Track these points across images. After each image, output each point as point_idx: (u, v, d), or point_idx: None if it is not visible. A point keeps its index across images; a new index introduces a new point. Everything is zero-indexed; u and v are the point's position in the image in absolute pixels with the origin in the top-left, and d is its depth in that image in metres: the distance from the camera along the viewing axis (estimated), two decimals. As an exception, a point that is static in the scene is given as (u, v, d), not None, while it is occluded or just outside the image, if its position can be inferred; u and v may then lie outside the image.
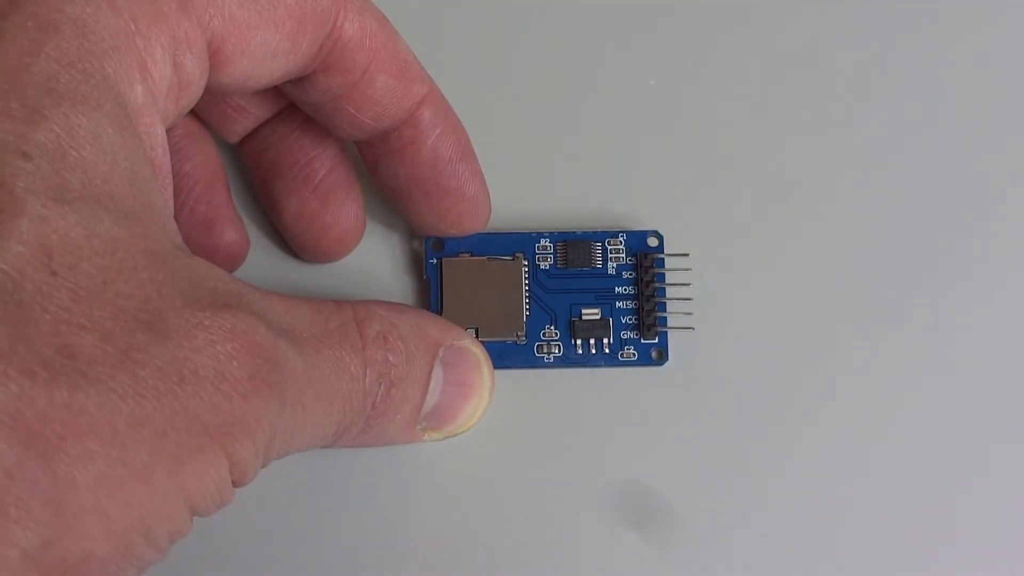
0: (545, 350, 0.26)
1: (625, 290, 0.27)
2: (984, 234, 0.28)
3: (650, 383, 0.27)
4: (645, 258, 0.26)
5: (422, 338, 0.23)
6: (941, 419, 0.27)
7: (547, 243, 0.27)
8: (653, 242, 0.27)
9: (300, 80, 0.23)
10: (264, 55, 0.22)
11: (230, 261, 0.26)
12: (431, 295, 0.26)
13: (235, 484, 0.18)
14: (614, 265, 0.27)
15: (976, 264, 0.28)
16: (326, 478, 0.26)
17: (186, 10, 0.20)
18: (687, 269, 0.26)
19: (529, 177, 0.28)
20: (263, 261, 0.27)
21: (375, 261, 0.27)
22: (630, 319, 0.26)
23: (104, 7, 0.19)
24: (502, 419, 0.26)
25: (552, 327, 0.26)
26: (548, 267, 0.27)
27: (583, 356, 0.26)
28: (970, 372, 0.27)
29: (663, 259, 0.26)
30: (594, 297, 0.26)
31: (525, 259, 0.26)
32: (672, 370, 0.27)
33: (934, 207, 0.28)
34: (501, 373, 0.26)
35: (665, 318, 0.26)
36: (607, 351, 0.26)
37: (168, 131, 0.21)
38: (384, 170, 0.25)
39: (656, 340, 0.26)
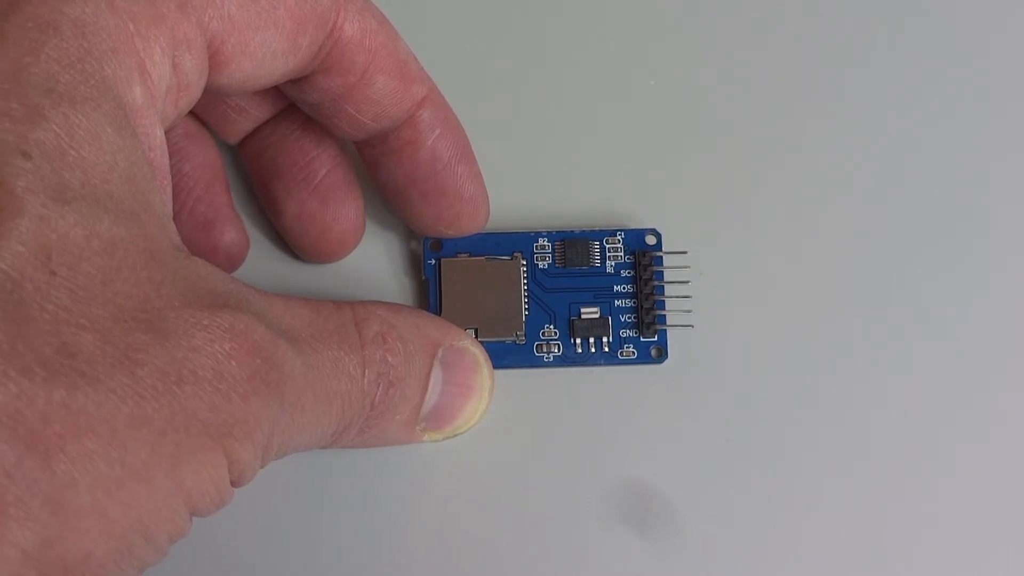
0: (544, 349, 0.26)
1: (624, 288, 0.27)
2: (987, 232, 0.28)
3: (650, 381, 0.27)
4: (643, 256, 0.26)
5: (421, 338, 0.23)
6: (943, 418, 0.27)
7: (545, 242, 0.27)
8: (651, 240, 0.27)
9: (300, 80, 0.23)
10: (264, 56, 0.22)
11: (230, 261, 0.26)
12: (430, 295, 0.26)
13: (234, 484, 0.18)
14: (612, 264, 0.27)
15: (978, 260, 0.28)
16: (326, 478, 0.26)
17: (185, 11, 0.20)
18: (686, 267, 0.26)
19: (527, 176, 0.28)
20: (263, 261, 0.27)
21: (374, 261, 0.27)
22: (629, 317, 0.26)
23: (103, 8, 0.19)
24: (502, 419, 0.26)
25: (551, 326, 0.26)
26: (546, 266, 0.27)
27: (583, 355, 0.26)
28: (972, 367, 0.27)
29: (661, 257, 0.26)
30: (593, 296, 0.26)
31: (523, 259, 0.27)
32: (672, 368, 0.27)
33: (935, 206, 0.28)
34: (501, 373, 0.26)
35: (664, 316, 0.26)
36: (606, 350, 0.26)
37: (168, 131, 0.21)
38: (383, 170, 0.25)
39: (655, 338, 0.26)
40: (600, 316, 0.26)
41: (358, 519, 0.25)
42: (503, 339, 0.26)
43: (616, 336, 0.26)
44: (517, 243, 0.27)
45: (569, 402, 0.27)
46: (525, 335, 0.26)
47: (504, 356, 0.26)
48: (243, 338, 0.18)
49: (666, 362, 0.26)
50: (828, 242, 0.28)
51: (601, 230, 0.27)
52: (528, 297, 0.26)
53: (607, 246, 0.27)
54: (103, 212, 0.17)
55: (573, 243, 0.27)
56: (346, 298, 0.23)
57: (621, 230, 0.27)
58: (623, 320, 0.26)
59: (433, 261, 0.26)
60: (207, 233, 0.26)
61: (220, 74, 0.21)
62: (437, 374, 0.24)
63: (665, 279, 0.26)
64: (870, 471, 0.26)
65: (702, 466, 0.26)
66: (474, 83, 0.29)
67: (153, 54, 0.19)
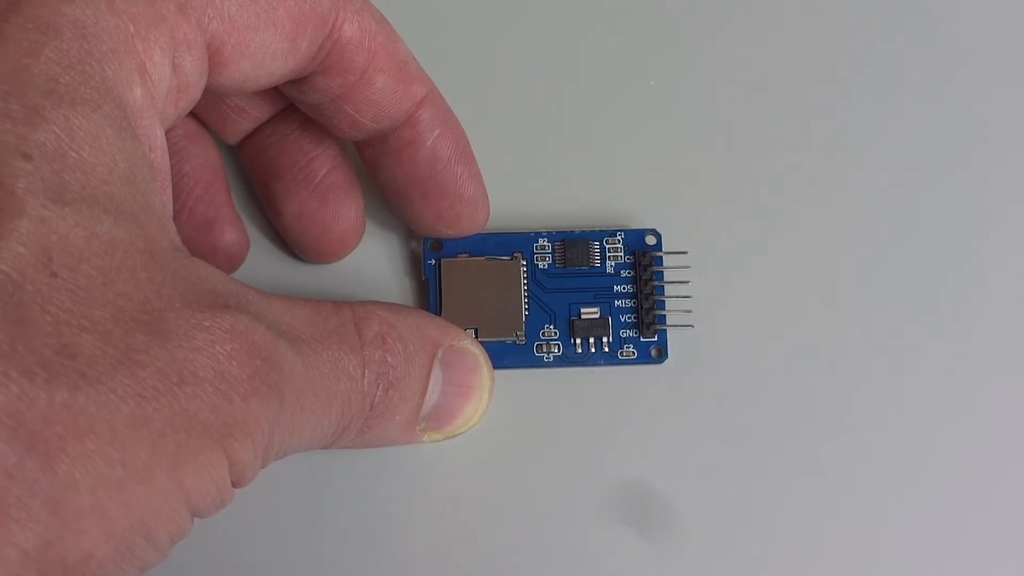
0: (544, 350, 0.26)
1: (624, 289, 0.27)
2: (987, 233, 0.28)
3: (650, 381, 0.27)
4: (643, 256, 0.26)
5: (421, 338, 0.23)
6: (943, 418, 0.27)
7: (545, 242, 0.27)
8: (651, 240, 0.27)
9: (299, 81, 0.23)
10: (263, 56, 0.22)
11: (230, 261, 0.26)
12: (430, 296, 0.26)
13: (235, 485, 0.18)
14: (612, 264, 0.27)
15: (979, 260, 0.28)
16: (326, 478, 0.26)
17: (185, 12, 0.20)
18: (686, 267, 0.26)
19: (527, 176, 0.28)
20: (263, 261, 0.27)
21: (374, 262, 0.28)
22: (629, 317, 0.26)
23: (103, 9, 0.19)
24: (502, 419, 0.26)
25: (551, 326, 0.26)
26: (547, 266, 0.27)
27: (583, 355, 0.26)
28: (972, 368, 0.27)
29: (661, 257, 0.26)
30: (593, 296, 0.26)
31: (523, 259, 0.27)
32: (672, 368, 0.27)
33: (936, 206, 0.28)
34: (501, 373, 0.26)
35: (664, 316, 0.26)
36: (606, 350, 0.26)
37: (168, 132, 0.21)
38: (383, 170, 0.26)
39: (655, 338, 0.26)
40: (600, 316, 0.26)
41: (358, 519, 0.25)
42: (503, 339, 0.26)
43: (616, 336, 0.26)
44: (517, 243, 0.27)
45: (569, 402, 0.27)
46: (525, 335, 0.26)
47: (504, 356, 0.26)
48: (243, 339, 0.18)
49: (666, 362, 0.26)
50: (828, 242, 0.28)
51: (601, 230, 0.27)
52: (528, 297, 0.26)
53: (607, 246, 0.27)
54: (103, 213, 0.18)
55: (573, 243, 0.27)
56: (346, 298, 0.23)
57: (621, 230, 0.27)
58: (623, 320, 0.26)
59: (433, 261, 0.26)
60: (207, 233, 0.26)
61: (220, 75, 0.21)
62: (437, 374, 0.24)
63: (665, 279, 0.26)
64: (870, 471, 0.26)
65: (702, 466, 0.26)
66: (474, 83, 0.29)
67: (153, 55, 0.19)
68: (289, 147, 0.26)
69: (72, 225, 0.17)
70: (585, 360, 0.26)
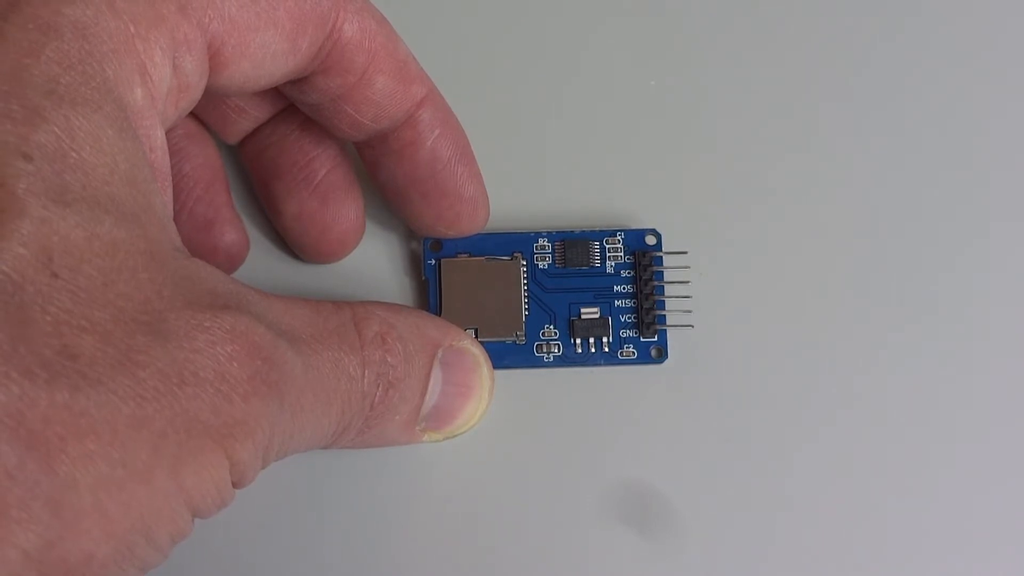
0: (544, 350, 0.26)
1: (624, 289, 0.27)
2: (989, 234, 0.28)
3: (650, 381, 0.27)
4: (643, 256, 0.26)
5: (421, 339, 0.23)
6: (943, 417, 0.27)
7: (545, 242, 0.27)
8: (651, 240, 0.27)
9: (299, 81, 0.23)
10: (263, 57, 0.22)
11: (230, 262, 0.26)
12: (430, 295, 0.26)
13: (235, 485, 0.18)
14: (612, 264, 0.27)
15: (978, 260, 0.28)
16: (326, 478, 0.26)
17: (185, 12, 0.20)
18: (686, 267, 0.26)
19: (527, 176, 0.28)
20: (263, 261, 0.27)
21: (374, 262, 0.28)
22: (629, 318, 0.26)
23: (104, 10, 0.19)
24: (502, 419, 0.26)
25: (551, 327, 0.26)
26: (547, 266, 0.27)
27: (583, 355, 0.26)
28: (972, 368, 0.27)
29: (661, 257, 0.26)
30: (593, 296, 0.26)
31: (523, 259, 0.27)
32: (672, 368, 0.27)
33: (936, 206, 0.28)
34: (501, 373, 0.26)
35: (664, 316, 0.26)
36: (606, 350, 0.26)
37: (168, 132, 0.21)
38: (383, 171, 0.26)
39: (655, 338, 0.26)
40: (600, 316, 0.26)
41: (358, 519, 0.25)
42: (503, 339, 0.26)
43: (616, 336, 0.26)
44: (517, 243, 0.27)
45: (569, 402, 0.27)
46: (525, 335, 0.26)
47: (504, 356, 0.26)
48: (244, 339, 0.18)
49: (666, 362, 0.26)
50: (828, 242, 0.28)
51: (601, 230, 0.27)
52: (528, 297, 0.26)
53: (607, 246, 0.27)
54: (104, 214, 0.18)
55: (573, 243, 0.27)
56: (346, 298, 0.23)
57: (621, 230, 0.27)
58: (623, 320, 0.26)
59: (433, 261, 0.26)
60: (207, 233, 0.26)
61: (220, 75, 0.21)
62: (437, 374, 0.24)
63: (665, 279, 0.26)
64: (870, 470, 0.26)
65: (702, 466, 0.26)
66: (474, 83, 0.29)
67: (154, 55, 0.19)
68: (289, 147, 0.26)
69: (73, 226, 0.17)
70: (585, 360, 0.26)
